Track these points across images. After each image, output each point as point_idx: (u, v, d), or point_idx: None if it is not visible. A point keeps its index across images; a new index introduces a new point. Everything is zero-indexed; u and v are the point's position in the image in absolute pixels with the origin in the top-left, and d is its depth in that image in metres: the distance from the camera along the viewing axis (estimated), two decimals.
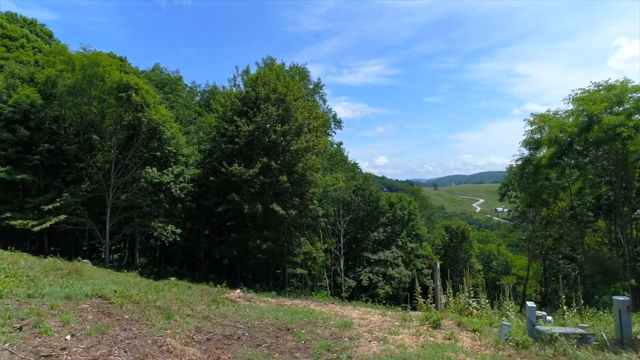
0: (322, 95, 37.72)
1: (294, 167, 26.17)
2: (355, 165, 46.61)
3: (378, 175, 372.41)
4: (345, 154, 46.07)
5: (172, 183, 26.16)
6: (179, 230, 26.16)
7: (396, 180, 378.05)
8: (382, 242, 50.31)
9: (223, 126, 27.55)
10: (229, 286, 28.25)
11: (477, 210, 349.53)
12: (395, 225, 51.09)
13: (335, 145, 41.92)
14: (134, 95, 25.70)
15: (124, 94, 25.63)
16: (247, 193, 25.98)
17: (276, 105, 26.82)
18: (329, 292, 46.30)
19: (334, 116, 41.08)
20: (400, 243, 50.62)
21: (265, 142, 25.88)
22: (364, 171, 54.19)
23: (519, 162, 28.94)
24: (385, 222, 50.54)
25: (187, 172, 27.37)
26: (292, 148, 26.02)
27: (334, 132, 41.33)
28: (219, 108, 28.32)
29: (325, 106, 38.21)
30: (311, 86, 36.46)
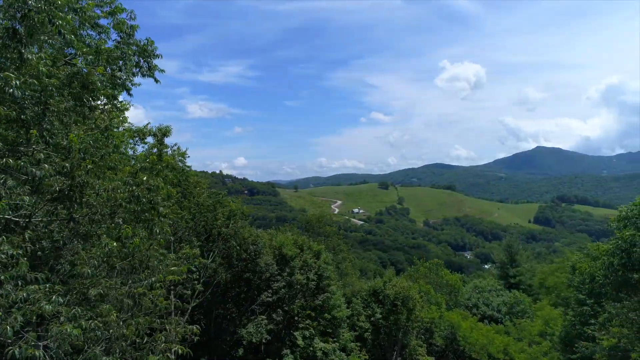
0: None
1: None
2: (198, 181, 18.23)
3: (239, 177, 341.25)
4: (178, 149, 17.60)
5: None
6: None
7: (258, 182, 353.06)
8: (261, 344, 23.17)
9: None
10: None
11: (336, 212, 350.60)
12: (292, 301, 24.62)
13: (151, 123, 12.34)
14: None
15: None
16: None
17: None
18: None
19: (145, 47, 11.73)
20: (299, 341, 24.28)
21: None
22: (224, 173, 25.59)
23: None
24: (271, 299, 23.67)
25: None
26: None
27: (137, 82, 12.24)
28: None
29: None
30: None
